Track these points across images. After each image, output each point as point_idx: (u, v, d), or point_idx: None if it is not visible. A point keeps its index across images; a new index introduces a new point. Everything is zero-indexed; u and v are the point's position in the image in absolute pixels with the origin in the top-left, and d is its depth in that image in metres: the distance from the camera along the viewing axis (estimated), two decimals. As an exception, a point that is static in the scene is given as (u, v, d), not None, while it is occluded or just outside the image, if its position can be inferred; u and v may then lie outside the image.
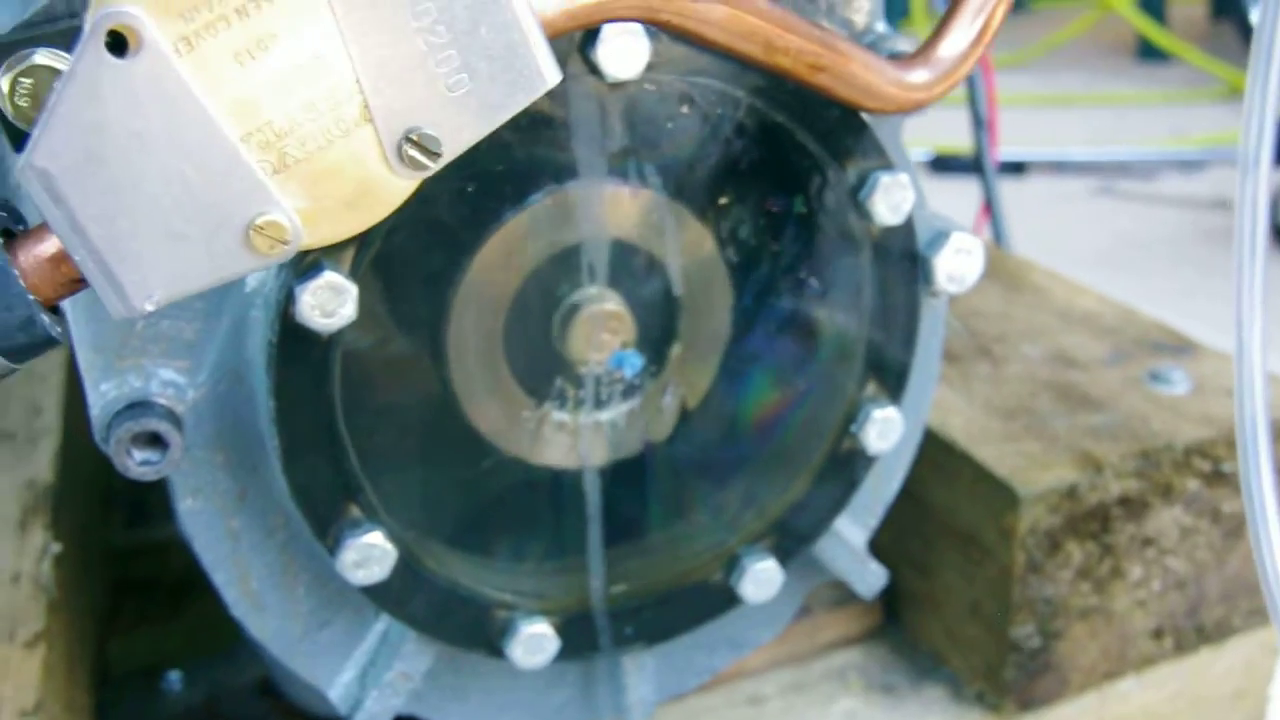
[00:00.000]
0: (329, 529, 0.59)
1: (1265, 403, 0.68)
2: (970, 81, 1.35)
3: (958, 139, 1.70)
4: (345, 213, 0.38)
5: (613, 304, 0.62)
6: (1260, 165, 0.66)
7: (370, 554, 0.59)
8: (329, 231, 0.38)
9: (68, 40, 0.42)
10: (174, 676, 0.86)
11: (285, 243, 0.38)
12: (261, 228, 0.37)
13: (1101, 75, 3.79)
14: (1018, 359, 1.02)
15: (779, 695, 0.91)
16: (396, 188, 0.39)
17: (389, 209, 0.39)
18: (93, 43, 0.35)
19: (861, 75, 0.50)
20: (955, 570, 0.91)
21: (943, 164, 2.51)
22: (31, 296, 0.38)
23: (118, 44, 0.35)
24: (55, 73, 0.41)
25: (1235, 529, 0.92)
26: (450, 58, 0.37)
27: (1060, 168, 2.76)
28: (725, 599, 0.70)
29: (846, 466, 0.70)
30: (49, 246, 0.38)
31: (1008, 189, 2.70)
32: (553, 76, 0.40)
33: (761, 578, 0.69)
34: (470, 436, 0.63)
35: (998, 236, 1.36)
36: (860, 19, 0.62)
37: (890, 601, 0.97)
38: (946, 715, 0.90)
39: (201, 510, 0.59)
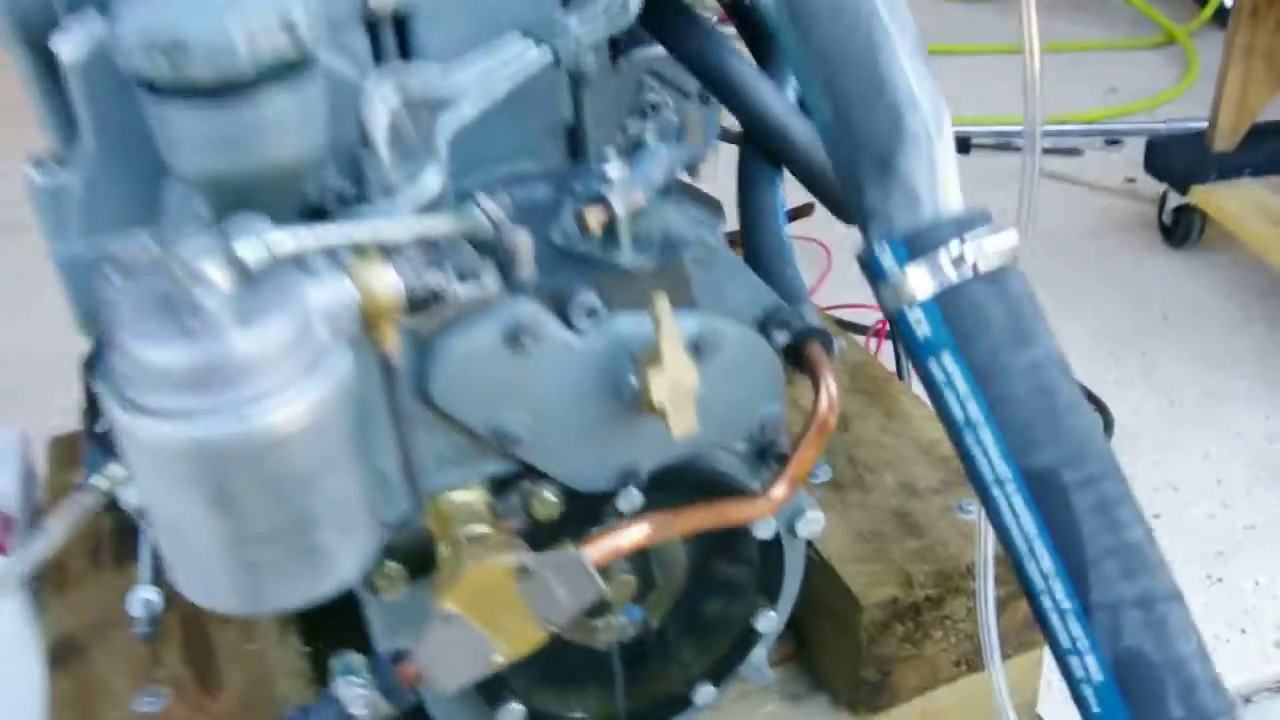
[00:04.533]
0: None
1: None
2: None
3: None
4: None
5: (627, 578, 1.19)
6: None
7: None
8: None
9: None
10: None
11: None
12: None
13: (1054, 20, 3.97)
14: (880, 488, 1.36)
15: (726, 701, 1.29)
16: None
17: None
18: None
19: (739, 515, 1.06)
20: (831, 633, 1.31)
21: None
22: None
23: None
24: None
25: (1001, 604, 1.46)
26: (551, 591, 0.94)
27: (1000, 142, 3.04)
28: (686, 703, 1.28)
29: (747, 639, 1.26)
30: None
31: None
32: (603, 589, 0.97)
33: (705, 696, 1.25)
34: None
35: (899, 371, 1.73)
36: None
37: (800, 638, 1.41)
38: (828, 714, 1.40)
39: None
